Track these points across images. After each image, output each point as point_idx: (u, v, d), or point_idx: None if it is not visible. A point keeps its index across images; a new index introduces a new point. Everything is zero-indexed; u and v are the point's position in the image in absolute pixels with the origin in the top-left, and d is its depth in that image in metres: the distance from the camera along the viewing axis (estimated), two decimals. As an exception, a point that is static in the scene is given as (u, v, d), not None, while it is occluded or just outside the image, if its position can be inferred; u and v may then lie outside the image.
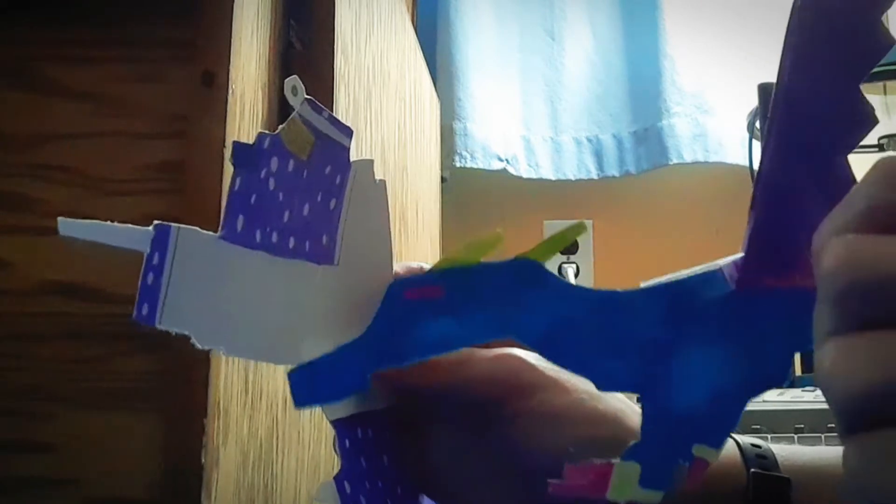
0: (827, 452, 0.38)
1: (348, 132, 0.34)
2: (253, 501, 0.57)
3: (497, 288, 0.32)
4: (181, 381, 0.51)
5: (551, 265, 0.33)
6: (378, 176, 0.37)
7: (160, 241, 0.29)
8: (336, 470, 0.34)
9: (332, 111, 0.33)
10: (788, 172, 0.27)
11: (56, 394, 0.52)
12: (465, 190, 1.63)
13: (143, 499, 0.51)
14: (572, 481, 0.31)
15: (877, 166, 0.23)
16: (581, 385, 0.36)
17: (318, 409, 0.67)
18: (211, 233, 0.31)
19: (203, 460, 0.50)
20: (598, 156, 1.66)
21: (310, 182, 0.33)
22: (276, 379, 0.61)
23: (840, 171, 0.27)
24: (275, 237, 0.32)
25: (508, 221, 1.58)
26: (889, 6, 0.26)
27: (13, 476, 0.52)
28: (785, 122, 0.27)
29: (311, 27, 0.69)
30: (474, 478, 0.37)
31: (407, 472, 0.37)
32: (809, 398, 0.80)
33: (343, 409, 0.34)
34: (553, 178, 1.63)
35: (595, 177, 1.64)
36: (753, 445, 0.37)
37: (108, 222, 0.29)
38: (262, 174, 0.31)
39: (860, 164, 0.24)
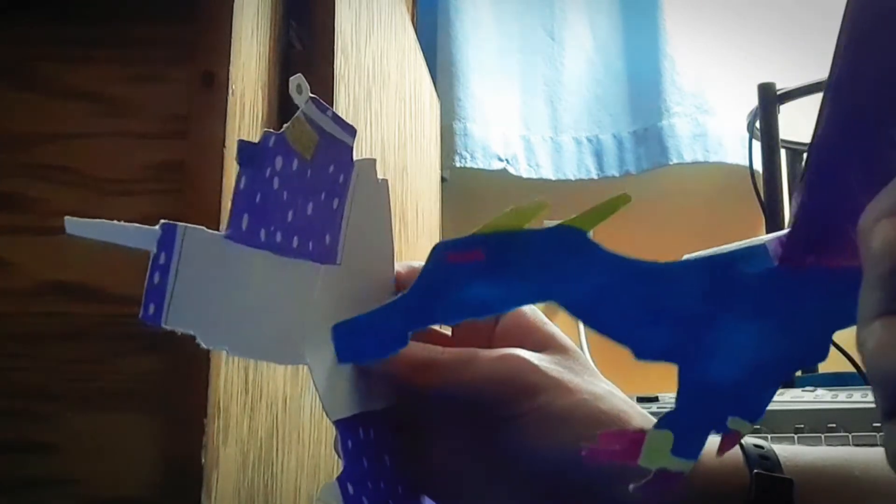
0: (829, 453, 0.38)
1: (352, 131, 0.34)
2: (253, 501, 0.57)
3: (540, 254, 0.32)
4: (181, 381, 0.51)
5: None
6: (378, 176, 0.37)
7: (167, 240, 0.29)
8: (337, 470, 0.34)
9: (332, 111, 0.33)
10: (837, 153, 0.27)
11: (56, 394, 0.52)
12: (465, 190, 1.63)
13: (143, 499, 0.51)
14: (606, 446, 0.31)
15: None
16: (584, 386, 0.36)
17: (318, 409, 0.67)
18: (217, 232, 0.31)
19: (203, 460, 0.50)
20: (598, 156, 1.66)
21: (313, 181, 0.33)
22: (276, 379, 0.61)
23: (890, 152, 0.26)
24: (279, 237, 0.32)
25: (508, 221, 1.58)
26: None
27: (13, 476, 0.52)
28: (836, 103, 0.26)
29: (311, 27, 0.68)
30: (476, 478, 0.37)
31: (408, 473, 0.37)
32: (809, 398, 0.80)
33: (346, 408, 0.34)
34: (553, 178, 1.63)
35: (595, 177, 1.64)
36: (756, 446, 0.37)
37: (115, 221, 0.29)
38: (267, 173, 0.31)
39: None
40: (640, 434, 0.31)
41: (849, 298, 0.23)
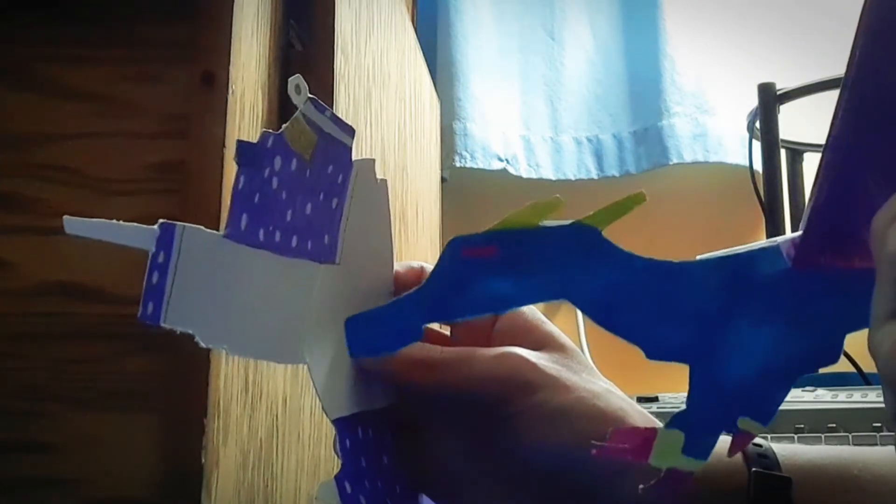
0: (828, 452, 0.38)
1: (350, 131, 0.34)
2: (253, 501, 0.57)
3: (554, 251, 0.32)
4: (181, 381, 0.51)
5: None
6: (378, 176, 0.37)
7: (165, 239, 0.29)
8: (336, 470, 0.34)
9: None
10: (851, 155, 0.27)
11: (56, 394, 0.52)
12: (465, 190, 1.63)
13: (143, 499, 0.51)
14: (616, 443, 0.32)
15: None
16: (582, 384, 0.36)
17: (318, 409, 0.67)
18: (215, 231, 0.31)
19: (203, 460, 0.50)
20: (598, 156, 1.66)
21: (312, 181, 0.33)
22: (276, 379, 0.61)
23: None
24: (278, 236, 0.32)
25: (508, 221, 1.58)
26: None
27: (13, 476, 0.52)
28: (851, 104, 0.26)
29: (311, 27, 0.69)
30: (474, 477, 0.37)
31: (406, 472, 0.37)
32: (809, 398, 0.80)
33: (345, 407, 0.34)
34: (553, 178, 1.63)
35: (595, 177, 1.64)
36: (755, 444, 0.37)
37: (114, 221, 0.29)
38: (266, 173, 0.31)
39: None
40: (651, 432, 0.31)
41: (862, 300, 0.23)
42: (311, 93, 0.32)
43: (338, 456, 0.34)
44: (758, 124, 1.32)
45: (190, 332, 0.30)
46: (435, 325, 0.41)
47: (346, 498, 0.33)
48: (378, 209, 0.37)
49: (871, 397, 0.77)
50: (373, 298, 0.35)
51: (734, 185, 1.56)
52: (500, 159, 1.61)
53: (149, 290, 0.29)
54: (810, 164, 1.41)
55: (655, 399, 0.89)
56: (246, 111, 0.57)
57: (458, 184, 1.62)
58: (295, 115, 0.32)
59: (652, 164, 1.62)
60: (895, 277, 0.22)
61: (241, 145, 0.31)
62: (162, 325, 0.29)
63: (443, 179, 1.53)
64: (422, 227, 1.20)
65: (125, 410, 0.52)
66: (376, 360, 0.35)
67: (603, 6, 1.71)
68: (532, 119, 1.67)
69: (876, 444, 0.71)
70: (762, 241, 0.31)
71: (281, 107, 0.63)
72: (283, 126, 0.32)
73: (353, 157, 0.35)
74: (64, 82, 0.57)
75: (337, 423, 0.34)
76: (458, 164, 1.57)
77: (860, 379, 0.99)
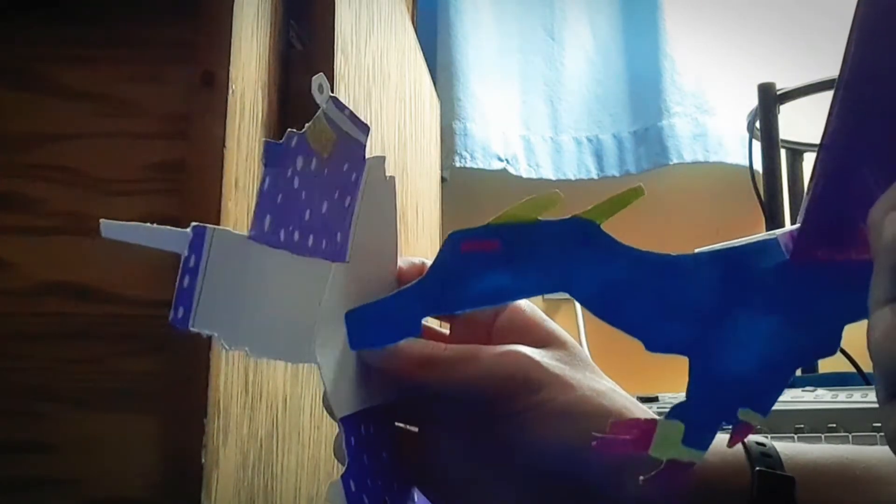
0: (831, 451, 0.38)
1: (365, 129, 0.34)
2: (253, 501, 0.57)
3: (554, 245, 0.32)
4: (181, 381, 0.51)
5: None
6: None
7: (197, 242, 0.29)
8: (336, 471, 0.34)
9: (332, 111, 0.33)
10: (848, 149, 0.27)
11: (56, 394, 0.52)
12: (465, 190, 1.63)
13: (143, 499, 0.51)
14: (617, 435, 0.32)
15: None
16: (586, 382, 0.36)
17: (318, 410, 0.67)
18: (241, 233, 0.31)
19: (203, 460, 0.50)
20: (598, 156, 1.66)
21: (329, 179, 0.33)
22: (275, 379, 0.61)
23: None
24: (297, 236, 0.32)
25: (508, 221, 1.58)
26: None
27: (13, 476, 0.52)
28: (847, 99, 0.27)
29: (311, 27, 0.68)
30: (475, 475, 0.37)
31: (403, 467, 0.37)
32: (809, 398, 0.79)
33: (350, 405, 0.34)
34: (553, 178, 1.63)
35: (595, 177, 1.64)
36: (758, 444, 0.37)
37: (148, 224, 0.29)
38: (289, 173, 0.31)
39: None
40: (652, 424, 0.31)
41: (859, 292, 0.24)
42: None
43: (338, 460, 0.34)
44: (758, 124, 1.32)
45: (215, 334, 0.29)
46: (435, 323, 0.41)
47: (351, 497, 0.33)
48: (386, 206, 0.37)
49: (871, 397, 0.77)
50: (376, 295, 0.35)
51: (734, 185, 1.57)
52: (500, 159, 1.61)
53: (180, 293, 0.29)
54: (810, 163, 1.41)
55: (655, 399, 0.89)
56: (246, 111, 0.57)
57: (458, 184, 1.62)
58: (317, 114, 0.32)
59: (652, 164, 1.62)
60: (892, 265, 0.22)
61: (268, 146, 0.31)
62: (190, 328, 0.29)
63: (443, 179, 1.53)
64: (422, 227, 1.20)
65: (125, 410, 0.52)
66: (380, 357, 0.35)
67: (603, 6, 1.71)
68: (532, 119, 1.67)
69: (876, 444, 0.71)
70: (760, 234, 0.32)
71: (281, 107, 0.63)
72: (307, 125, 0.32)
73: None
74: (64, 82, 0.57)
75: (342, 421, 0.34)
76: (458, 164, 1.57)
77: (860, 379, 1.00)
